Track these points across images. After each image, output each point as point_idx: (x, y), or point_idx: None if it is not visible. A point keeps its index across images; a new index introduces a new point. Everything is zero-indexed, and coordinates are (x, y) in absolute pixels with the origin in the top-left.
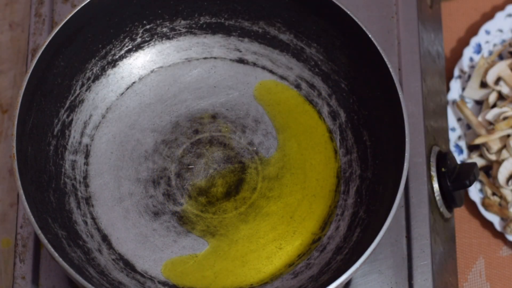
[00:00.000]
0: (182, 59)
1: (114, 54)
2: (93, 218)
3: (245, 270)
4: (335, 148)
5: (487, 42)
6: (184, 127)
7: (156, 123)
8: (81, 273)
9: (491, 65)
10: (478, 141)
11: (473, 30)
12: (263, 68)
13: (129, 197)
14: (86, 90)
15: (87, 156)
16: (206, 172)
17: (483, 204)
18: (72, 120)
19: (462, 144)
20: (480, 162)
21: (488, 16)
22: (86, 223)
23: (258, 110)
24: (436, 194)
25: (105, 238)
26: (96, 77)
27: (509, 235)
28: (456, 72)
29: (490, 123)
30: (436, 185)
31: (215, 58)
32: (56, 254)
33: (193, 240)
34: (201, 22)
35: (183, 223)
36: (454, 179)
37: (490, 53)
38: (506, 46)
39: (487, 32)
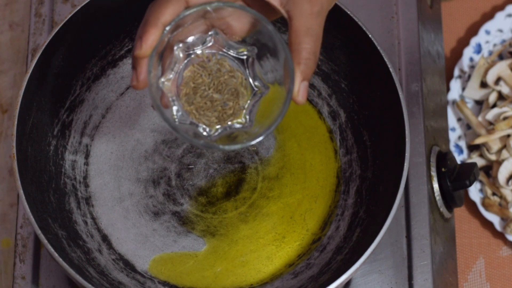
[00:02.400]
0: None
1: (114, 54)
2: (93, 218)
3: (245, 270)
4: (335, 148)
5: (487, 42)
6: None
7: (156, 123)
8: (81, 273)
9: (491, 65)
10: (478, 141)
11: (473, 30)
12: None
13: (129, 197)
14: (86, 90)
15: (87, 156)
16: (206, 172)
17: (483, 204)
18: (72, 120)
19: (462, 144)
20: (480, 162)
21: (488, 16)
22: (86, 223)
23: None
24: (436, 194)
25: (105, 238)
26: (96, 77)
27: (509, 235)
28: (456, 72)
29: (490, 123)
30: (436, 185)
31: None
32: (56, 254)
33: (193, 240)
34: None
35: (183, 223)
36: (454, 179)
37: (490, 53)
38: (506, 46)
39: (487, 32)
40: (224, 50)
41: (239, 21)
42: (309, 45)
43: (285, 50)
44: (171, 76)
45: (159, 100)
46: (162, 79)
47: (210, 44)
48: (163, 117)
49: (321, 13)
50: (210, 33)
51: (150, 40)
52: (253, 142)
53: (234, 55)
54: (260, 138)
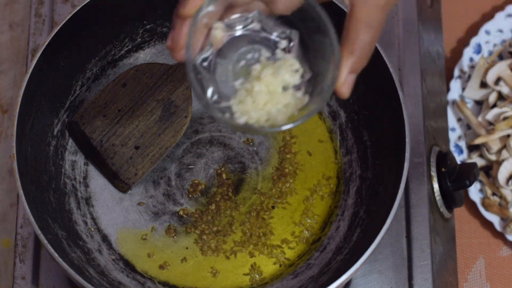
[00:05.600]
0: None
1: (114, 54)
2: (93, 218)
3: (245, 270)
4: (335, 148)
5: (487, 42)
6: None
7: None
8: (81, 273)
9: (491, 65)
10: (478, 141)
11: (473, 30)
12: None
13: (129, 197)
14: (86, 90)
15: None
16: (206, 172)
17: (483, 204)
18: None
19: (462, 144)
20: (480, 162)
21: (488, 16)
22: (86, 223)
23: None
24: (436, 194)
25: (105, 238)
26: (96, 77)
27: (509, 235)
28: (456, 72)
29: (490, 123)
30: (436, 185)
31: None
32: (56, 255)
33: (193, 240)
34: None
35: (183, 223)
36: (454, 179)
37: (490, 53)
38: (506, 46)
39: (487, 32)
40: (266, 31)
41: None
42: (366, 37)
43: (334, 39)
44: (206, 55)
45: (194, 77)
46: (198, 58)
47: (251, 25)
48: (198, 96)
49: (385, 8)
50: (252, 13)
51: None
52: (289, 127)
53: (275, 38)
54: (296, 124)
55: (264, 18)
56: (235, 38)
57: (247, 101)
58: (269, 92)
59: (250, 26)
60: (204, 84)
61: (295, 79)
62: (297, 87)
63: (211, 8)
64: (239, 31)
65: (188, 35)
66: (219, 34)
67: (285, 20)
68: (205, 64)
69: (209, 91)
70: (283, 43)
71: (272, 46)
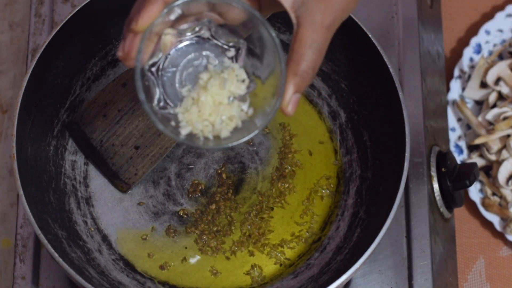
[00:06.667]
0: None
1: (114, 54)
2: (93, 218)
3: (245, 270)
4: (335, 148)
5: (487, 42)
6: None
7: None
8: (81, 273)
9: (491, 65)
10: (478, 141)
11: (473, 30)
12: None
13: (129, 197)
14: (86, 90)
15: (87, 156)
16: (206, 172)
17: (483, 204)
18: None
19: (462, 144)
20: (480, 162)
21: (488, 16)
22: (86, 223)
23: None
24: (436, 194)
25: (105, 238)
26: (96, 77)
27: (509, 235)
28: (456, 72)
29: (490, 123)
30: (436, 185)
31: None
32: (56, 255)
33: (193, 240)
34: None
35: (183, 223)
36: (454, 179)
37: (490, 53)
38: (506, 46)
39: (487, 32)
40: (215, 39)
41: (236, 10)
42: (311, 58)
43: (281, 58)
44: (155, 60)
45: (141, 85)
46: (147, 64)
47: (201, 32)
48: (143, 102)
49: (331, 28)
50: (203, 21)
51: (146, 16)
52: (235, 144)
53: (224, 46)
54: (241, 141)
55: (214, 26)
56: (184, 44)
57: (193, 111)
58: (214, 104)
59: (200, 33)
60: (152, 90)
61: (241, 89)
62: (242, 98)
63: (163, 20)
64: (188, 37)
65: (140, 42)
66: (169, 39)
67: (235, 30)
68: (153, 69)
69: (156, 97)
70: (231, 52)
71: (220, 54)
